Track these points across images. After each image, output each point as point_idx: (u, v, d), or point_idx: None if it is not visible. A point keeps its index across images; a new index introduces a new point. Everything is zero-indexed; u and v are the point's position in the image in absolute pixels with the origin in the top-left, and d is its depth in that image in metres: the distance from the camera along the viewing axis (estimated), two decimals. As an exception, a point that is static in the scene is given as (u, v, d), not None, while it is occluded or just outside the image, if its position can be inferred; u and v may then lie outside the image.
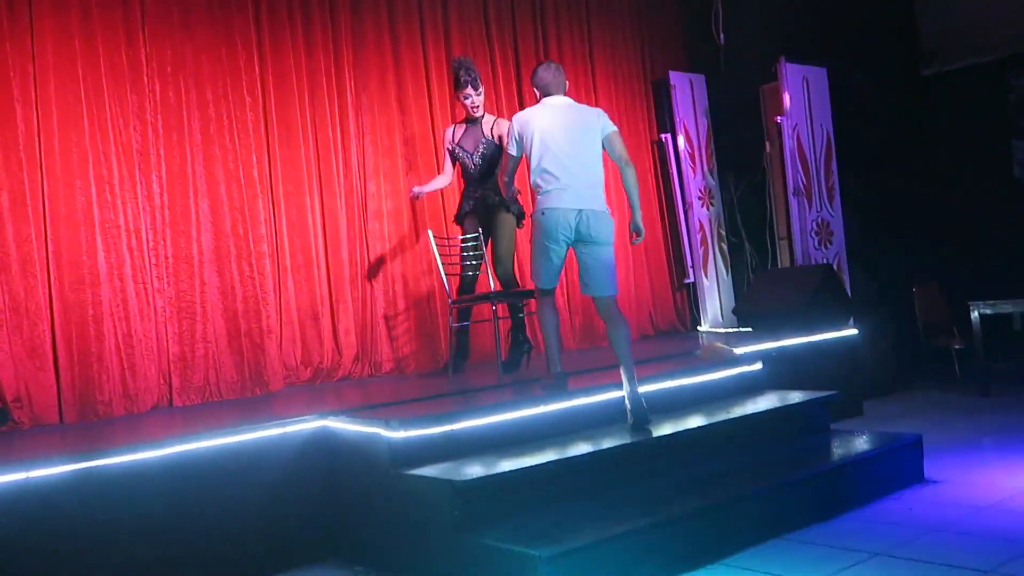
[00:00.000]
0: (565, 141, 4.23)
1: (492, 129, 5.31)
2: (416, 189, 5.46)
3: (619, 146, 4.33)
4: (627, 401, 4.14)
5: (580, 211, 4.17)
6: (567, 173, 4.19)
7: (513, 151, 4.39)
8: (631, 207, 4.36)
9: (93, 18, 4.99)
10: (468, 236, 5.25)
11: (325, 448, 4.02)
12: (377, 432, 3.77)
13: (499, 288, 5.18)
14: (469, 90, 5.24)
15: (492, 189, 5.27)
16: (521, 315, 5.45)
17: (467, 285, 5.37)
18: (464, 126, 5.36)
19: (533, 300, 4.83)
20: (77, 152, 4.88)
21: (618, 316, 4.31)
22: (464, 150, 5.31)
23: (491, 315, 5.09)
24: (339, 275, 5.83)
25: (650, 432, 4.08)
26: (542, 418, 4.14)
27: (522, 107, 6.81)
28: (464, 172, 5.38)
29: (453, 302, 5.26)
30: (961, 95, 8.04)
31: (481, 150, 5.28)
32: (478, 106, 5.30)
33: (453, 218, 5.57)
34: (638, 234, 4.36)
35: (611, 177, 7.17)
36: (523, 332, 5.43)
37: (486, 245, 5.21)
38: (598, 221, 4.21)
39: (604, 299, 4.30)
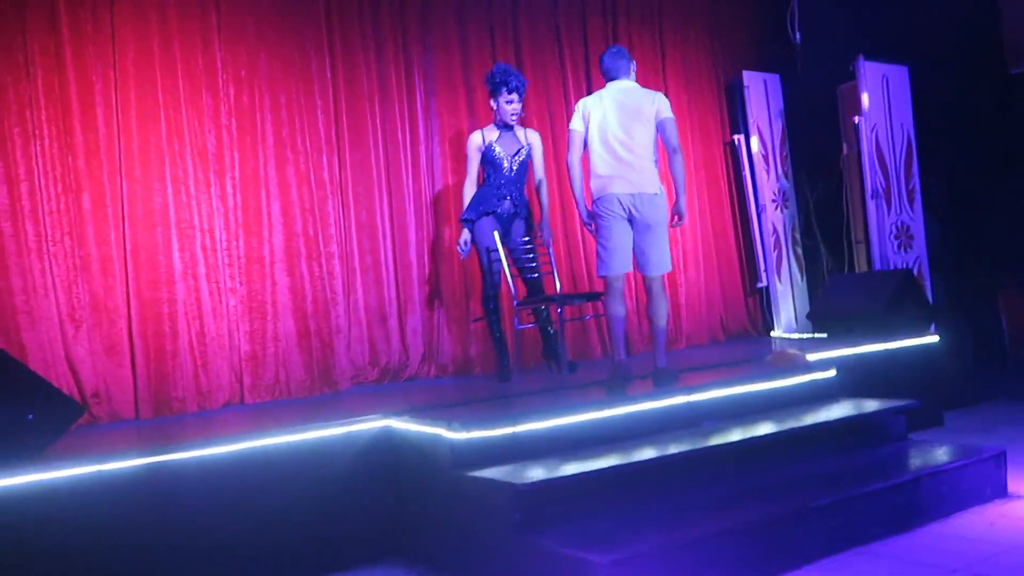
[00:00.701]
0: (618, 126, 4.51)
1: (526, 137, 5.39)
2: (461, 245, 5.31)
3: (670, 133, 4.55)
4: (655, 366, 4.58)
5: (632, 195, 4.46)
6: (618, 159, 4.48)
7: (577, 126, 4.63)
8: (676, 191, 4.59)
9: (171, 26, 5.12)
10: (526, 240, 5.27)
11: (388, 448, 4.04)
12: (439, 433, 3.78)
13: (565, 290, 5.15)
14: (515, 96, 5.26)
15: (520, 195, 5.35)
16: (552, 330, 5.37)
17: (533, 287, 5.36)
18: (497, 131, 5.36)
19: (565, 311, 4.98)
20: (155, 154, 5.02)
21: (662, 294, 4.61)
22: (505, 151, 5.30)
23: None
24: (407, 276, 5.87)
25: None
26: (606, 422, 4.09)
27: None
28: (495, 174, 5.32)
29: (519, 304, 5.25)
30: (1051, 94, 7.70)
31: (521, 156, 5.33)
32: (519, 111, 5.31)
33: (464, 216, 5.34)
34: (679, 217, 4.61)
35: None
36: (555, 351, 5.32)
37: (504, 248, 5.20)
38: (650, 204, 4.48)
39: (654, 278, 4.58)
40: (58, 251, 4.73)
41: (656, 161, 4.61)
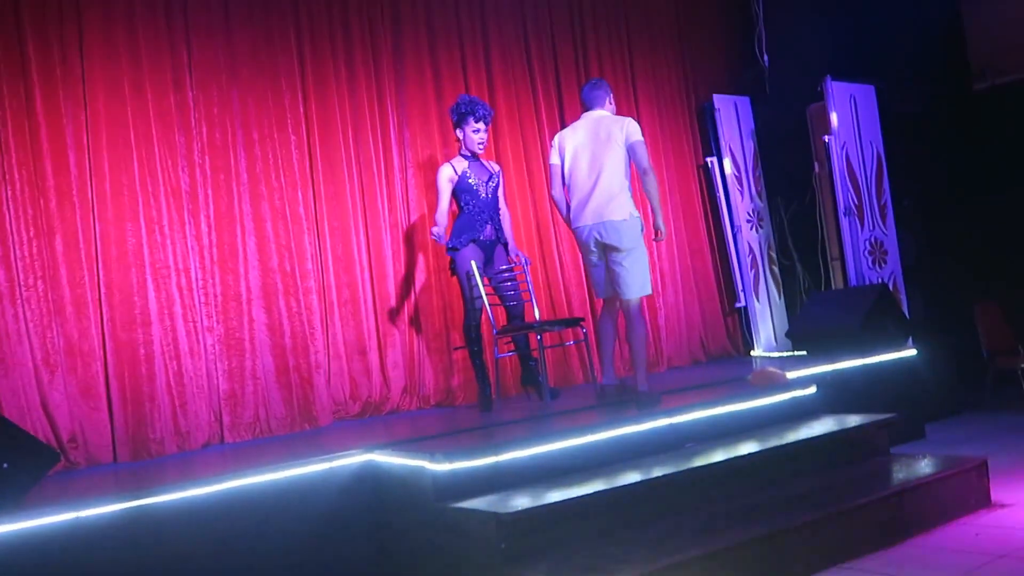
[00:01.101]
0: (587, 156, 4.73)
1: (493, 166, 5.46)
2: (437, 230, 5.19)
3: (640, 155, 4.73)
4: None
5: (598, 224, 4.68)
6: (585, 190, 4.72)
7: (555, 160, 4.87)
8: (652, 210, 4.80)
9: (142, 65, 5.12)
10: (504, 268, 5.28)
11: (371, 482, 4.00)
12: (422, 465, 3.75)
13: (544, 317, 5.15)
14: (481, 124, 5.30)
15: (497, 221, 5.38)
16: (532, 363, 5.37)
17: (515, 315, 5.36)
18: (465, 161, 5.36)
19: (542, 339, 5.03)
20: (128, 195, 5.00)
21: (637, 317, 4.72)
22: (478, 179, 5.32)
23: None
24: (385, 309, 5.85)
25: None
26: (590, 447, 4.07)
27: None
28: (474, 200, 5.31)
29: (498, 332, 5.24)
30: (1016, 108, 7.83)
31: (493, 183, 5.38)
32: (484, 142, 5.37)
33: (450, 245, 5.30)
34: (659, 232, 4.81)
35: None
36: (535, 378, 5.32)
37: (483, 277, 5.20)
38: (615, 230, 4.66)
39: (628, 301, 4.72)
40: (31, 295, 4.68)
41: (629, 187, 4.73)
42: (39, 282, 4.72)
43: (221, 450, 4.98)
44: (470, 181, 5.31)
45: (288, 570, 3.77)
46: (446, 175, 5.35)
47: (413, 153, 6.11)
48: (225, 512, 3.68)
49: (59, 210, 4.81)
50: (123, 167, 5.00)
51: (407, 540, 3.86)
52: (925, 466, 4.32)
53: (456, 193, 5.34)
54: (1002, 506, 4.11)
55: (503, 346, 5.55)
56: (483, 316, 5.33)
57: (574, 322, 5.41)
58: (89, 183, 4.91)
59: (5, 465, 3.51)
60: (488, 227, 5.30)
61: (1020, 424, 6.13)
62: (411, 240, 6.03)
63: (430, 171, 6.13)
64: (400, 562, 3.89)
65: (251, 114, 5.46)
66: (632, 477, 3.80)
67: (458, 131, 5.37)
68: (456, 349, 5.81)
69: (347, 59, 5.91)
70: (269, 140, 5.50)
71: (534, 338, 5.17)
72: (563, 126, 6.82)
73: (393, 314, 5.87)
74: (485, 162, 5.45)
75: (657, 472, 3.84)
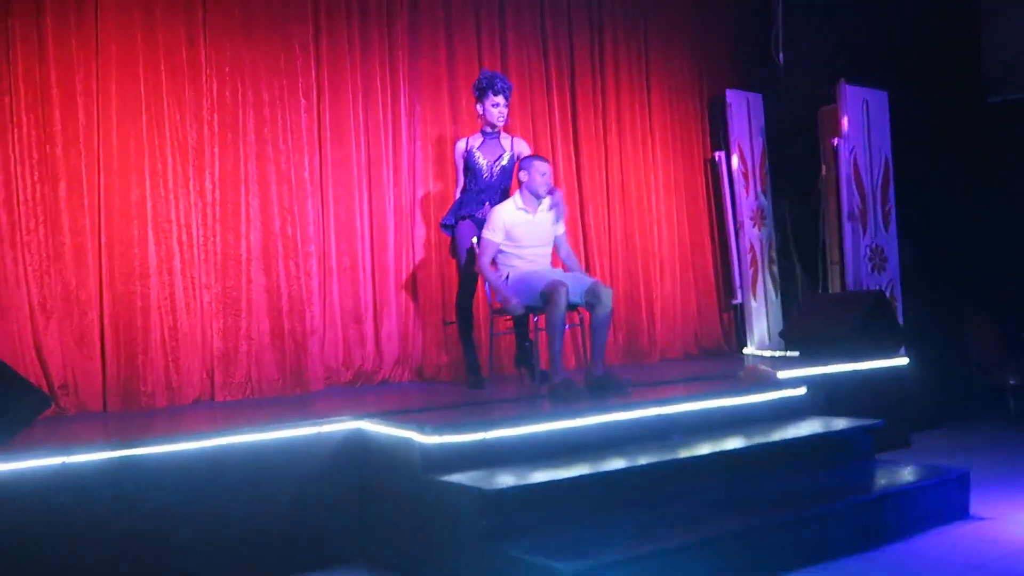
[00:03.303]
0: None
1: (512, 144, 5.36)
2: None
3: None
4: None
5: None
6: None
7: None
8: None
9: (156, 18, 5.09)
10: None
11: (359, 450, 4.02)
12: (410, 437, 3.77)
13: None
14: (500, 98, 5.24)
15: (499, 201, 5.28)
16: (527, 344, 5.38)
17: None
18: (481, 138, 5.33)
19: (538, 322, 5.01)
20: (134, 147, 4.98)
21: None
22: (486, 158, 5.29)
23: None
24: (384, 279, 5.86)
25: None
26: (578, 431, 4.10)
27: (575, 122, 6.83)
28: (474, 180, 5.31)
29: (495, 311, 5.25)
30: (1027, 124, 7.84)
31: (503, 162, 5.28)
32: (505, 116, 5.31)
33: (444, 221, 5.38)
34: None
35: (660, 191, 7.14)
36: (529, 360, 5.33)
37: None
38: None
39: None
40: (31, 240, 4.68)
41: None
42: (40, 227, 4.71)
43: (211, 407, 5.00)
44: (476, 159, 5.29)
45: (270, 533, 3.80)
46: (459, 151, 5.38)
47: (423, 127, 6.09)
48: (210, 469, 3.70)
49: (65, 156, 4.79)
50: (131, 119, 4.98)
51: (391, 509, 3.89)
52: (907, 474, 4.36)
53: (464, 169, 5.35)
54: (980, 519, 4.16)
55: (502, 325, 5.56)
56: (479, 293, 5.33)
57: (571, 307, 5.41)
58: (96, 132, 4.89)
59: (-4, 406, 3.53)
60: (486, 207, 5.28)
61: (1005, 438, 6.19)
62: (414, 213, 6.03)
63: (437, 146, 6.13)
64: (383, 531, 3.93)
65: (262, 75, 5.44)
66: (617, 463, 3.83)
67: (478, 106, 5.35)
68: (448, 324, 5.83)
69: (362, 30, 5.87)
70: (279, 103, 5.48)
71: (531, 319, 5.18)
72: (574, 113, 6.86)
73: (391, 285, 5.88)
74: (504, 139, 5.37)
75: (642, 460, 3.88)
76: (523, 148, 5.42)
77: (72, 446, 3.49)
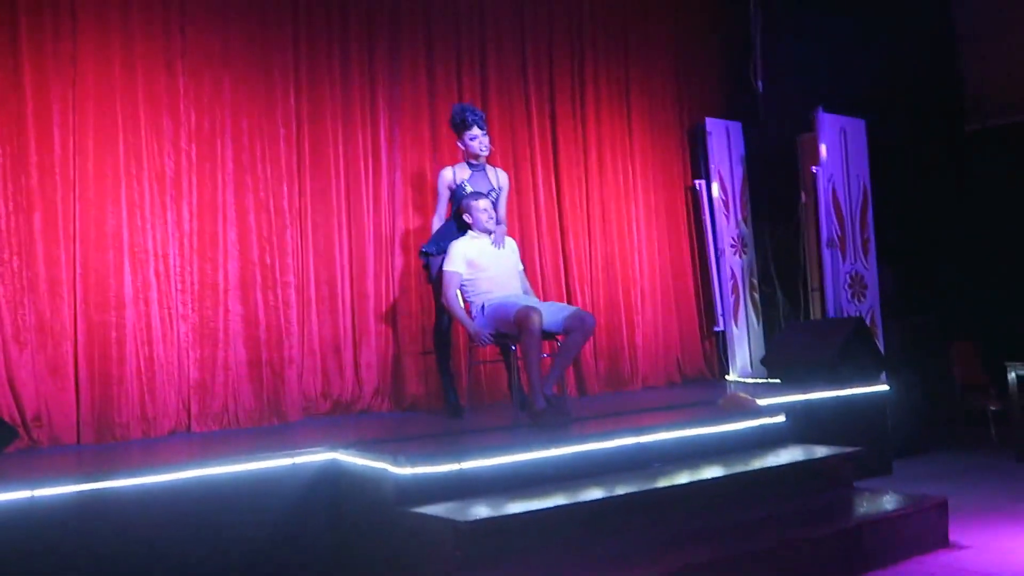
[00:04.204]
0: None
1: (497, 179, 5.36)
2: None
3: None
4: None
5: None
6: None
7: None
8: None
9: (134, 48, 5.10)
10: None
11: (333, 481, 3.99)
12: (384, 467, 3.74)
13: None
14: (476, 130, 5.21)
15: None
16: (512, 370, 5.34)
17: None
18: (468, 170, 5.30)
19: (516, 350, 4.95)
20: (111, 177, 4.97)
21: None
22: (476, 190, 5.27)
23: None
24: (363, 308, 5.83)
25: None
26: (555, 460, 4.07)
27: (556, 147, 6.85)
28: None
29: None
30: (1005, 152, 7.91)
31: (491, 198, 5.21)
32: (487, 145, 5.28)
33: (423, 248, 5.27)
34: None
35: (641, 218, 7.15)
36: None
37: None
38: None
39: None
40: (5, 271, 4.64)
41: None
42: (14, 257, 4.68)
43: (186, 439, 4.95)
44: (467, 192, 5.25)
45: (245, 565, 3.74)
46: (445, 180, 5.30)
47: (402, 155, 6.10)
48: (184, 502, 3.66)
49: (40, 187, 4.77)
50: (108, 148, 4.97)
51: (365, 542, 3.84)
52: (886, 502, 4.34)
53: (452, 199, 5.33)
54: (959, 547, 4.14)
55: (487, 353, 5.52)
56: (454, 323, 5.30)
57: (548, 336, 5.39)
58: (72, 162, 4.87)
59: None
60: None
61: (986, 464, 6.17)
62: (393, 242, 6.02)
63: (418, 174, 6.13)
64: (357, 563, 3.88)
65: (241, 104, 5.44)
66: (595, 493, 3.80)
67: (459, 143, 5.34)
68: (426, 353, 5.79)
69: (342, 56, 5.90)
70: (257, 131, 5.48)
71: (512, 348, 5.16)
72: (555, 139, 6.88)
73: (370, 314, 5.85)
74: (491, 174, 5.35)
75: (620, 490, 3.85)
76: (505, 181, 5.41)
77: (40, 479, 3.44)
